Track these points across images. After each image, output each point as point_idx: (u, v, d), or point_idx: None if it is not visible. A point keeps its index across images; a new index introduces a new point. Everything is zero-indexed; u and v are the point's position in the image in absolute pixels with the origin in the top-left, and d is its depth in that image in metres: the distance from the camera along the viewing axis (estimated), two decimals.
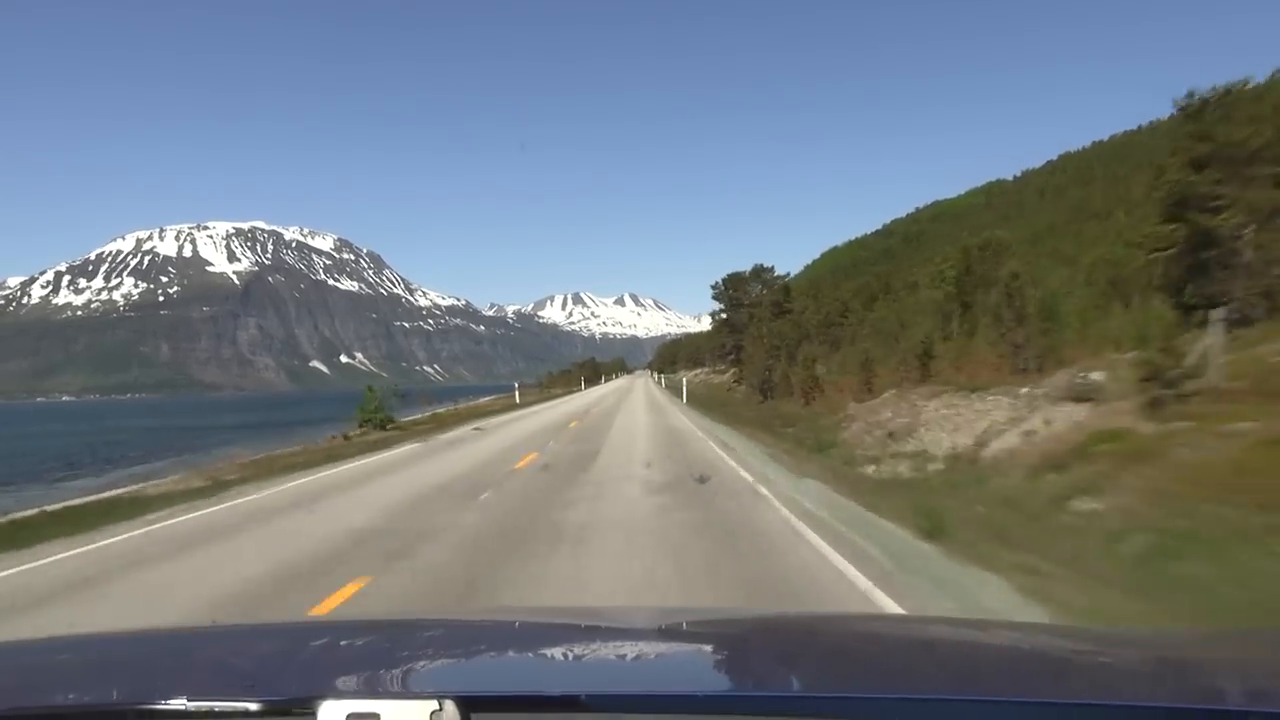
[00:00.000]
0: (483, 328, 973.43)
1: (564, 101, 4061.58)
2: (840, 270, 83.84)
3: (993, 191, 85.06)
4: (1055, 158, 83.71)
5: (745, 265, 60.67)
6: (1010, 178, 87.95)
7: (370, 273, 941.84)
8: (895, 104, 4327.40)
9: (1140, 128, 75.07)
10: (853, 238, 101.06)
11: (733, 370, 63.68)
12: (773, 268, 58.58)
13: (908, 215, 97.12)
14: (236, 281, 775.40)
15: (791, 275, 64.42)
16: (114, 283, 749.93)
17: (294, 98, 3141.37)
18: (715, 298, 59.68)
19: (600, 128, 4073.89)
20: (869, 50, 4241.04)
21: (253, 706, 1.15)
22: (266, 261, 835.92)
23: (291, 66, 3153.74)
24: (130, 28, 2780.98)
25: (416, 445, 20.35)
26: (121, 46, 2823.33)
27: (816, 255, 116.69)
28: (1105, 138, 79.36)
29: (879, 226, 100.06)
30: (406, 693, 1.28)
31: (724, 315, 60.05)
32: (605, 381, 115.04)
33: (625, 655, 1.75)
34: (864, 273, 67.52)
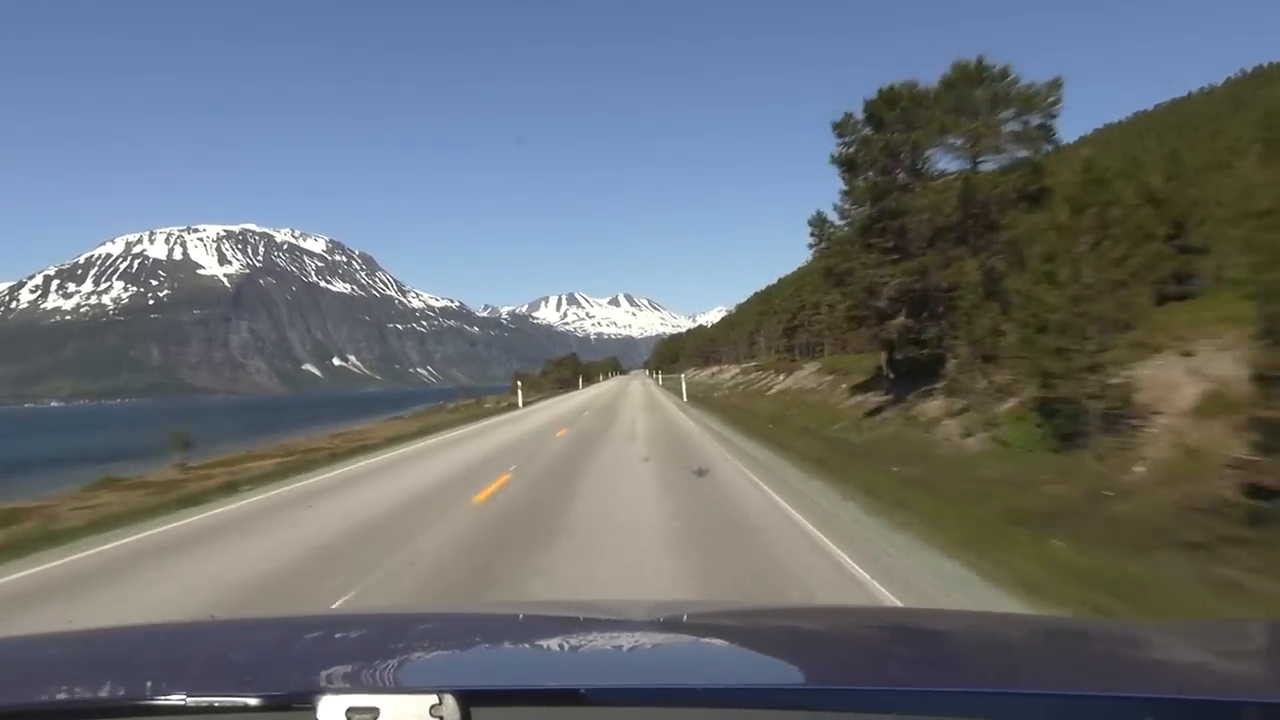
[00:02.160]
0: (477, 329, 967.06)
1: (560, 95, 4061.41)
2: None
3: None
4: (1089, 132, 77.92)
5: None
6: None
7: (363, 274, 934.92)
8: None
9: (1190, 94, 69.13)
10: None
11: (827, 356, 38.44)
12: (1010, 72, 20.08)
13: None
14: (227, 284, 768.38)
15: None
16: (103, 286, 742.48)
17: (285, 98, 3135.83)
18: (840, 158, 23.35)
19: (596, 120, 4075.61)
20: (874, 36, 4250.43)
21: (252, 701, 1.13)
22: (258, 264, 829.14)
23: (284, 66, 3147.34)
24: (119, 26, 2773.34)
25: None
26: (110, 45, 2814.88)
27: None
28: (1150, 108, 73.13)
29: None
30: (406, 687, 1.27)
31: (851, 208, 23.85)
32: (584, 386, 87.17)
33: (625, 648, 1.74)
34: None
